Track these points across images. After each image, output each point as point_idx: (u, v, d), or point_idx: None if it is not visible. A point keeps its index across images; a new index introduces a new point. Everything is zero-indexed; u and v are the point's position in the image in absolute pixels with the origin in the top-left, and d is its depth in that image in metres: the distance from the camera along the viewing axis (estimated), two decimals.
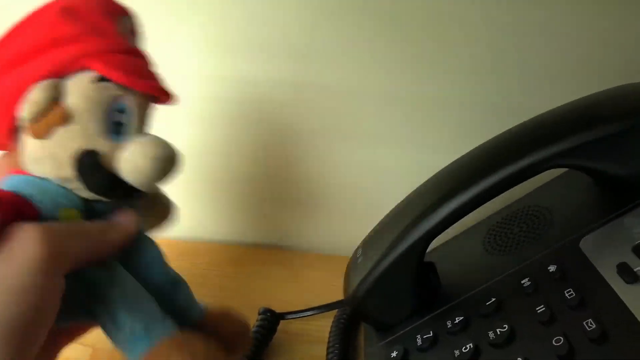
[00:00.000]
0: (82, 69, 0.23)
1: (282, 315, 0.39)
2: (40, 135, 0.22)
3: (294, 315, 0.40)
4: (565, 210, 0.31)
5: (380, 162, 0.48)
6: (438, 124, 0.45)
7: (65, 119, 0.22)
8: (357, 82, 0.44)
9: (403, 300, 0.32)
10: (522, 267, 0.29)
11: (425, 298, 0.32)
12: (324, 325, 0.38)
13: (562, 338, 0.23)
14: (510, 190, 0.30)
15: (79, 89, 0.22)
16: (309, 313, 0.40)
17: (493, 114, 0.42)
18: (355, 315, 0.38)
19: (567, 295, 0.25)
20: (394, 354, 0.30)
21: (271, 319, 0.38)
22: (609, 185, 0.30)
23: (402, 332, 0.31)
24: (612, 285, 0.24)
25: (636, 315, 0.22)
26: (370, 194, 0.49)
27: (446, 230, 0.30)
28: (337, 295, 0.36)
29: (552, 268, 0.27)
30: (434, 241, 0.31)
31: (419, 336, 0.30)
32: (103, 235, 0.23)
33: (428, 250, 0.36)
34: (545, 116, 0.30)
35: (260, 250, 0.51)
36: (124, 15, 0.26)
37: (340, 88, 0.45)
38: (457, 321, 0.29)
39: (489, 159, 0.30)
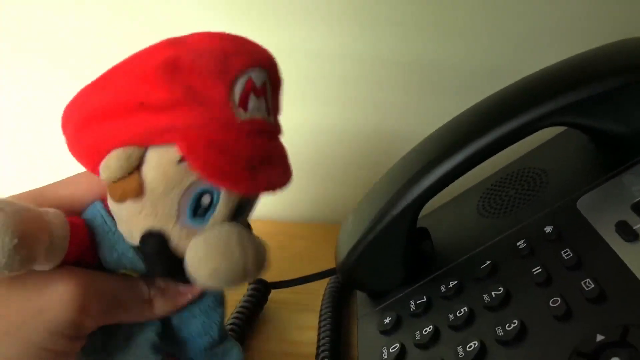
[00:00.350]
0: (169, 142, 0.19)
1: (273, 285, 0.39)
2: (114, 198, 0.20)
3: (284, 285, 0.39)
4: (562, 171, 0.30)
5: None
6: None
7: (138, 192, 0.19)
8: None
9: (396, 266, 0.31)
10: (518, 229, 0.28)
11: (419, 264, 0.32)
12: (316, 294, 0.37)
13: (558, 299, 0.22)
14: (506, 152, 0.29)
15: (158, 165, 0.19)
16: (299, 282, 0.39)
17: (491, 77, 0.41)
18: (347, 283, 0.37)
19: (564, 255, 0.24)
20: (387, 320, 0.29)
21: (262, 289, 0.37)
22: (606, 144, 0.29)
23: (395, 298, 0.31)
24: (611, 244, 0.23)
25: (636, 274, 0.21)
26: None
27: (441, 194, 0.30)
28: (329, 263, 0.35)
29: (548, 229, 0.26)
30: (428, 206, 0.30)
31: (412, 302, 0.29)
32: (142, 308, 0.22)
33: (422, 215, 0.36)
34: (542, 73, 0.29)
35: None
36: (250, 70, 0.20)
37: None
38: (451, 285, 0.28)
39: (483, 119, 0.29)
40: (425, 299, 0.29)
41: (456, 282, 0.28)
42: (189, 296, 0.23)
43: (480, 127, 0.29)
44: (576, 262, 0.24)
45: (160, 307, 0.23)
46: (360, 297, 0.34)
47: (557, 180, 0.30)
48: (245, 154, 0.19)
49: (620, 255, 0.23)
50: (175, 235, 0.20)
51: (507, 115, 0.28)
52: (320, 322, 0.34)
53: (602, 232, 0.24)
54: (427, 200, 0.29)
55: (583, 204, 0.26)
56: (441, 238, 0.33)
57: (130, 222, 0.20)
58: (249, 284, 0.38)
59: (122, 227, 0.21)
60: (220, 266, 0.19)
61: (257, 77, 0.20)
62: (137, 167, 0.19)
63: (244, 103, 0.19)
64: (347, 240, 0.32)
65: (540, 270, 0.25)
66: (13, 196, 0.21)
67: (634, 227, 0.23)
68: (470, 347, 0.24)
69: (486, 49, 0.41)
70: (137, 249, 0.21)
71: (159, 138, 0.19)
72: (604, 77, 0.27)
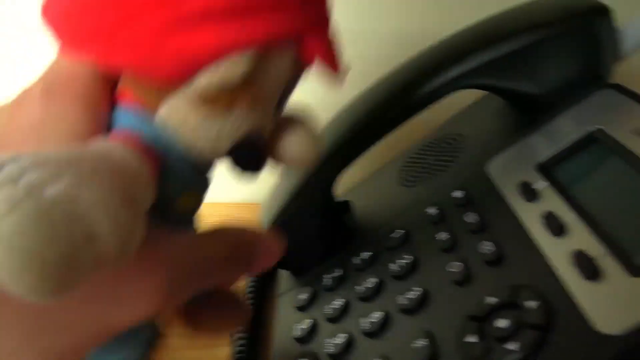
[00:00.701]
0: (288, 43, 0.17)
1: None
2: (214, 110, 0.16)
3: None
4: (477, 135, 0.30)
5: None
6: None
7: (250, 103, 0.17)
8: None
9: (314, 241, 0.30)
10: (431, 196, 0.28)
11: (340, 238, 0.31)
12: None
13: (460, 263, 0.22)
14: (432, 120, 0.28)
15: (278, 71, 0.17)
16: None
17: None
18: None
19: (469, 220, 0.24)
20: (302, 297, 0.28)
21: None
22: (521, 106, 0.29)
23: (313, 273, 0.30)
24: (513, 206, 0.23)
25: (531, 233, 0.21)
26: None
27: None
28: None
29: (457, 193, 0.26)
30: (353, 178, 0.29)
31: (327, 276, 0.28)
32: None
33: (347, 189, 0.35)
34: (453, 36, 0.28)
35: None
36: None
37: None
38: (365, 257, 0.27)
39: (396, 83, 0.28)
40: (340, 273, 0.28)
41: (370, 253, 0.27)
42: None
43: (393, 93, 0.28)
44: (480, 225, 0.23)
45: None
46: (281, 274, 0.33)
47: (472, 144, 0.29)
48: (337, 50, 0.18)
49: (520, 216, 0.22)
50: (267, 129, 0.19)
51: (418, 80, 0.27)
52: None
53: (506, 194, 0.24)
54: (338, 172, 0.28)
55: (492, 167, 0.26)
56: (363, 210, 0.32)
57: (225, 130, 0.17)
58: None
59: (200, 137, 0.17)
60: (314, 151, 0.19)
61: None
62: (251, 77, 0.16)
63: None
64: (265, 217, 0.31)
65: (446, 235, 0.24)
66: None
67: (535, 187, 0.23)
68: (375, 318, 0.23)
69: None
70: (230, 158, 0.18)
71: (285, 39, 0.16)
72: (512, 36, 0.26)
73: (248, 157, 0.18)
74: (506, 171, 0.25)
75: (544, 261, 0.19)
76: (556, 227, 0.20)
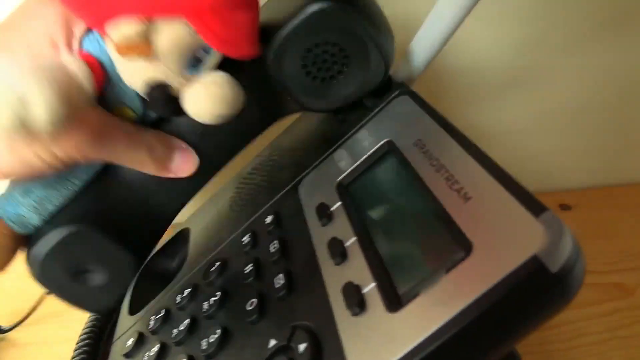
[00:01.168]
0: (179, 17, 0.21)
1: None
2: (120, 53, 0.22)
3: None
4: (299, 149, 0.29)
5: None
6: None
7: (147, 54, 0.22)
8: None
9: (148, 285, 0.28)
10: (249, 223, 0.26)
11: (172, 272, 0.29)
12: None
13: (255, 300, 0.21)
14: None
15: (170, 35, 0.22)
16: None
17: None
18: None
19: (272, 248, 0.22)
20: (129, 342, 0.26)
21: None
22: (333, 119, 0.28)
23: (142, 311, 0.28)
24: (311, 230, 0.22)
25: (320, 262, 0.20)
26: None
27: None
28: None
29: (269, 219, 0.24)
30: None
31: (152, 317, 0.26)
32: (135, 149, 0.25)
33: (190, 215, 0.33)
34: None
35: None
36: None
37: None
38: (185, 294, 0.25)
39: None
40: (162, 313, 0.26)
41: (190, 289, 0.25)
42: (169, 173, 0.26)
43: None
44: (280, 254, 0.22)
45: (150, 159, 0.25)
46: (121, 312, 0.31)
47: (291, 162, 0.28)
48: (244, 25, 0.22)
49: (314, 242, 0.21)
50: (176, 83, 0.23)
51: None
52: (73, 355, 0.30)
53: (307, 217, 0.22)
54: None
55: (303, 187, 0.25)
56: (197, 238, 0.30)
57: (134, 71, 0.23)
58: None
59: (123, 72, 0.23)
60: (220, 111, 0.23)
61: None
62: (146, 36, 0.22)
63: None
64: None
65: (251, 267, 0.23)
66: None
67: (331, 209, 0.22)
68: None
69: None
70: (144, 95, 0.23)
71: (175, 15, 0.21)
72: None
73: (158, 101, 0.23)
74: (312, 191, 0.24)
75: (324, 294, 0.18)
76: (338, 254, 0.19)
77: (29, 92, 0.19)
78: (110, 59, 0.23)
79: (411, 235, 0.18)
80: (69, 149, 0.22)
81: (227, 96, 0.23)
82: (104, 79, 0.24)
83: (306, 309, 0.19)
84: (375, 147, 0.22)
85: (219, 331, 0.21)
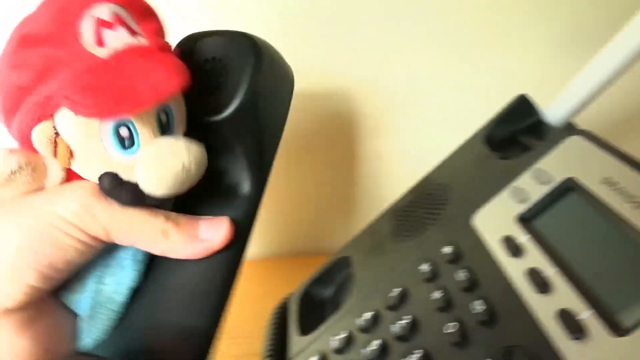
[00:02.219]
0: (58, 105, 0.21)
1: None
2: (64, 164, 0.23)
3: None
4: (463, 184, 0.31)
5: None
6: None
7: (71, 153, 0.22)
8: None
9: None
10: (423, 252, 0.29)
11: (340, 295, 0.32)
12: None
13: (456, 324, 0.23)
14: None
15: (65, 128, 0.22)
16: None
17: None
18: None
19: (459, 277, 0.25)
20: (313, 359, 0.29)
21: None
22: (494, 158, 0.30)
23: (319, 334, 0.31)
24: (499, 261, 0.24)
25: (517, 290, 0.22)
26: None
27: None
28: None
29: (447, 249, 0.27)
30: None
31: (334, 338, 0.29)
32: (155, 234, 0.24)
33: (345, 245, 0.36)
34: None
35: None
36: (91, 10, 0.22)
37: None
38: (367, 317, 0.28)
39: None
40: (345, 334, 0.29)
41: (372, 312, 0.28)
42: (205, 244, 0.24)
43: None
44: (470, 283, 0.24)
45: (175, 240, 0.24)
46: (290, 333, 0.34)
47: (458, 195, 0.30)
48: (120, 83, 0.21)
49: (506, 272, 0.23)
50: (121, 169, 0.22)
51: None
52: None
53: (492, 249, 0.25)
54: None
55: (478, 220, 0.27)
56: (362, 265, 0.33)
57: (84, 173, 0.23)
58: None
59: (81, 170, 0.23)
60: (159, 174, 0.22)
61: (102, 12, 0.22)
62: (57, 134, 0.22)
63: (99, 41, 0.21)
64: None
65: (440, 294, 0.25)
66: None
67: (518, 241, 0.24)
68: None
69: None
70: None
71: (50, 107, 0.21)
72: None
73: (111, 190, 0.22)
74: (490, 224, 0.26)
75: (532, 320, 0.20)
76: (541, 284, 0.21)
77: None
78: None
79: (617, 266, 0.20)
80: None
81: (163, 159, 0.22)
82: None
83: (516, 333, 0.21)
84: (555, 185, 0.24)
85: (419, 352, 0.23)
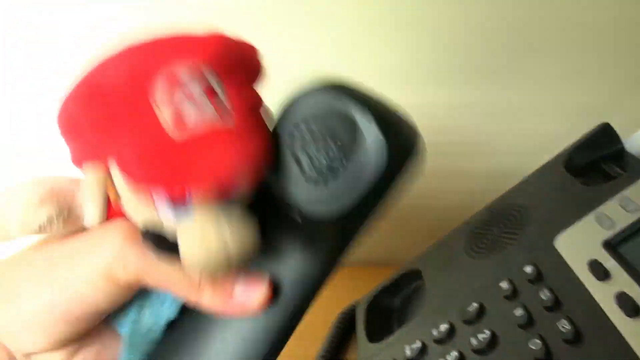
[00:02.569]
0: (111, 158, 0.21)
1: None
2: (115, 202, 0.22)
3: None
4: (543, 207, 0.31)
5: None
6: None
7: (117, 197, 0.22)
8: None
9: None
10: (502, 270, 0.29)
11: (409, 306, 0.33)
12: None
13: (538, 341, 0.23)
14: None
15: (115, 175, 0.21)
16: None
17: None
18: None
19: (542, 296, 0.25)
20: None
21: None
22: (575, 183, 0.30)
23: (389, 342, 0.32)
24: (585, 284, 0.24)
25: (608, 314, 0.22)
26: None
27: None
28: None
29: (528, 269, 0.27)
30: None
31: (407, 346, 0.30)
32: (187, 288, 0.23)
33: (415, 257, 0.37)
34: None
35: None
36: (164, 78, 0.19)
37: None
38: (442, 329, 0.29)
39: None
40: (419, 344, 0.30)
41: (447, 325, 0.29)
42: (239, 306, 0.23)
43: None
44: (554, 302, 0.25)
45: (209, 296, 0.23)
46: (358, 341, 0.35)
47: (539, 216, 0.31)
48: (182, 166, 0.19)
49: (593, 295, 0.24)
50: (168, 228, 0.21)
51: None
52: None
53: (577, 271, 0.25)
54: None
55: (560, 242, 0.27)
56: (433, 278, 0.34)
57: (128, 214, 0.22)
58: None
59: (127, 210, 0.22)
60: (199, 259, 0.20)
61: (185, 76, 0.18)
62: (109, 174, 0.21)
63: (177, 118, 0.18)
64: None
65: (521, 312, 0.26)
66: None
67: (605, 266, 0.24)
68: None
69: None
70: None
71: (105, 157, 0.21)
72: None
73: (149, 242, 0.21)
74: (574, 247, 0.27)
75: (623, 342, 0.21)
76: (631, 308, 0.22)
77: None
78: None
79: None
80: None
81: (207, 242, 0.20)
82: None
83: (605, 354, 0.21)
84: None
85: None
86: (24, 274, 0.23)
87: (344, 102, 0.21)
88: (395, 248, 0.54)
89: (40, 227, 0.21)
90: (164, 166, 0.19)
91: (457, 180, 0.52)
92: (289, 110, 0.22)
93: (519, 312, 0.26)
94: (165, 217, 0.21)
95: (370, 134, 0.20)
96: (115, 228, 0.22)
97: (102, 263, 0.22)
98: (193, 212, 0.20)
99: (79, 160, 0.22)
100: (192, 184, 0.19)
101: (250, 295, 0.23)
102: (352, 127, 0.20)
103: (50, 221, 0.21)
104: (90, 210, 0.22)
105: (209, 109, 0.19)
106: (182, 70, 0.19)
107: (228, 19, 0.31)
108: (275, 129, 0.23)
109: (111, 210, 0.23)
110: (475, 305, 0.28)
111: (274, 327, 0.24)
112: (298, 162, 0.22)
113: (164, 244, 0.21)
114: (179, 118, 0.18)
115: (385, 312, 0.38)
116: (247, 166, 0.20)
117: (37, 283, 0.22)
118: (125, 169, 0.20)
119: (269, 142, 0.21)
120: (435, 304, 0.32)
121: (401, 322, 0.36)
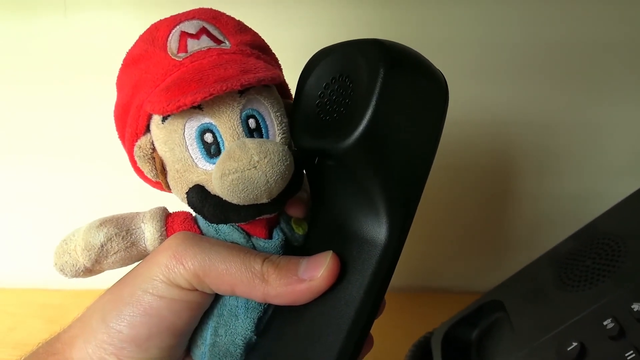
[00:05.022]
0: (145, 116, 0.22)
1: None
2: (163, 179, 0.23)
3: None
4: (634, 240, 0.29)
5: None
6: None
7: (164, 166, 0.23)
8: None
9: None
10: (602, 306, 0.27)
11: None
12: None
13: None
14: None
15: (155, 137, 0.22)
16: None
17: None
18: None
19: None
20: None
21: None
22: None
23: None
24: None
25: None
26: None
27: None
28: None
29: (636, 307, 0.25)
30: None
31: None
32: (251, 279, 0.22)
33: (495, 285, 0.35)
34: None
35: None
36: (178, 27, 0.23)
37: None
38: None
39: None
40: None
41: None
42: (306, 284, 0.22)
43: None
44: None
45: (275, 284, 0.22)
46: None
47: (637, 248, 0.29)
48: (189, 77, 0.21)
49: None
50: (208, 179, 0.21)
51: None
52: None
53: None
54: None
55: None
56: (519, 310, 0.32)
57: (175, 189, 0.23)
58: None
59: (173, 189, 0.23)
60: (227, 169, 0.20)
61: (189, 26, 0.23)
62: (153, 149, 0.22)
63: (183, 48, 0.22)
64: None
65: (633, 354, 0.24)
66: None
67: None
68: None
69: None
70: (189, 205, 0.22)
71: (143, 118, 0.22)
72: None
73: (196, 202, 0.22)
74: None
75: None
76: None
77: None
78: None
79: None
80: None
81: (232, 154, 0.20)
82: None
83: None
84: None
85: None
86: (104, 299, 0.23)
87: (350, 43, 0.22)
88: (466, 275, 0.52)
89: (102, 246, 0.22)
90: (176, 82, 0.21)
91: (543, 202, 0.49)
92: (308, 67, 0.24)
93: (630, 355, 0.24)
94: (203, 165, 0.21)
95: (371, 58, 0.21)
96: (172, 238, 0.23)
97: (161, 266, 0.22)
98: (222, 147, 0.21)
99: (130, 151, 0.23)
100: (201, 88, 0.20)
101: (315, 269, 0.22)
102: (360, 60, 0.21)
103: (109, 239, 0.22)
104: (149, 226, 0.23)
105: (207, 41, 0.23)
106: (186, 24, 0.23)
107: None
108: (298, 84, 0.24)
109: (169, 230, 0.24)
110: (575, 344, 0.27)
111: (357, 295, 0.22)
112: (319, 107, 0.23)
113: (207, 200, 0.22)
114: (182, 48, 0.22)
115: (462, 345, 0.36)
116: (247, 69, 0.21)
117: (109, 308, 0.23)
118: (151, 103, 0.21)
119: (273, 70, 0.22)
120: (523, 339, 0.30)
121: (481, 356, 0.34)
